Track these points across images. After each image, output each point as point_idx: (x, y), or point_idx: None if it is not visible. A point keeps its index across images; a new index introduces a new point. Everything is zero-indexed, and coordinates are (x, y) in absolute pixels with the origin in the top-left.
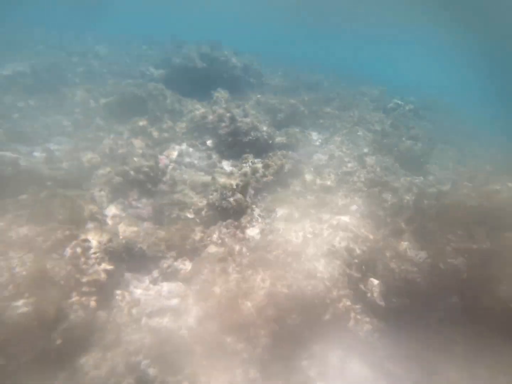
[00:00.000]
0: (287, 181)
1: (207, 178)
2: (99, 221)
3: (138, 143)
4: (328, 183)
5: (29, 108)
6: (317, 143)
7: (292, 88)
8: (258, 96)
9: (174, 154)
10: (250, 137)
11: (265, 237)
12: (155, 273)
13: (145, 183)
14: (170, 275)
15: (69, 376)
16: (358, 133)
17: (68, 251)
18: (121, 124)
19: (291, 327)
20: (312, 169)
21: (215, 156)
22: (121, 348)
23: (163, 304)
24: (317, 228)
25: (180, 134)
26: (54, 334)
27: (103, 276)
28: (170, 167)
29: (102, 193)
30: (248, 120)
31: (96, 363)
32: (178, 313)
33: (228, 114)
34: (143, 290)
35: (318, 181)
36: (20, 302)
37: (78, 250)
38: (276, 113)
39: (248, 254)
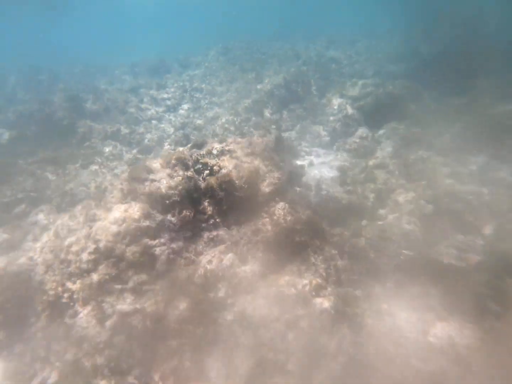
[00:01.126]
0: None
1: None
2: None
3: (437, 159)
4: None
5: (282, 120)
6: None
7: None
8: None
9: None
10: None
11: None
12: None
13: (463, 215)
14: None
15: None
16: None
17: None
18: (381, 129)
19: None
20: None
21: None
22: None
23: None
24: None
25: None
26: None
27: None
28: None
29: (408, 226)
30: None
31: None
32: None
33: None
34: None
35: None
36: None
37: None
38: None
39: None
